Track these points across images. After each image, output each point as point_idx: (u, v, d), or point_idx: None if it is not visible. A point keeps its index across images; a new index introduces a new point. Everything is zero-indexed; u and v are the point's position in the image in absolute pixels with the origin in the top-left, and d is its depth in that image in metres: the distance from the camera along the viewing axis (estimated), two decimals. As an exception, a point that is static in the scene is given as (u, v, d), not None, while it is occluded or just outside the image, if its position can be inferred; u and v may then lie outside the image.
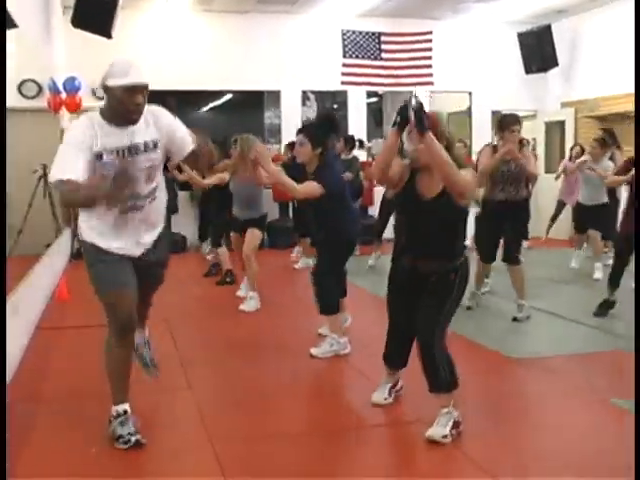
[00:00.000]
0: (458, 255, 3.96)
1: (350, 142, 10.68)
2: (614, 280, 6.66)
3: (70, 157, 3.48)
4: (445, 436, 3.80)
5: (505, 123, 6.47)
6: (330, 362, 5.41)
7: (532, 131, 14.15)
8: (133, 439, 3.74)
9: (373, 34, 12.58)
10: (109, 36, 9.36)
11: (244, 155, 7.01)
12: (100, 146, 3.58)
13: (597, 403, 4.44)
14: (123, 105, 3.56)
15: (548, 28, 12.68)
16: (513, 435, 4.00)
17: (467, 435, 3.88)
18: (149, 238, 3.90)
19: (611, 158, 9.10)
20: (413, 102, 3.65)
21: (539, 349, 5.83)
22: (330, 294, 5.53)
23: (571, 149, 11.35)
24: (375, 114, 14.84)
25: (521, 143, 6.63)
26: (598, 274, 8.65)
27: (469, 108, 13.62)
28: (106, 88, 3.60)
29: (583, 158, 8.93)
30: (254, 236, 7.43)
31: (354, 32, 12.47)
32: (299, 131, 5.60)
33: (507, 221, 6.62)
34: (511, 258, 6.64)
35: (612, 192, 8.83)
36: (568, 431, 4.06)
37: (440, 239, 3.89)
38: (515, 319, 6.58)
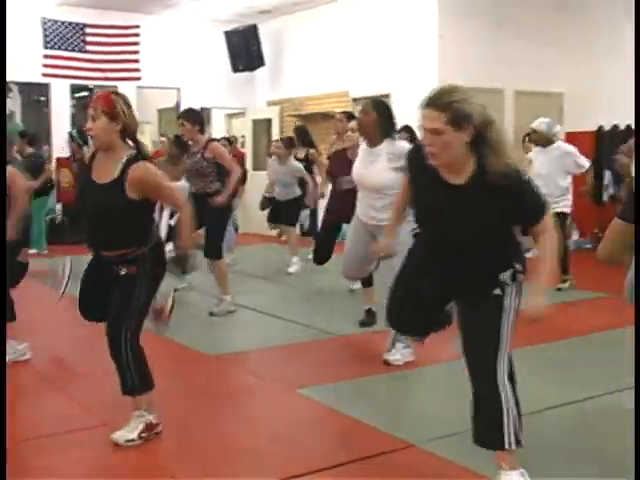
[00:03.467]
0: (135, 245, 3.73)
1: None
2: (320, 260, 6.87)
3: None
4: (130, 440, 3.70)
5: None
6: (16, 368, 5.12)
7: (241, 129, 14.45)
8: None
9: (77, 25, 12.17)
10: None
11: None
12: None
13: (286, 394, 4.57)
14: None
15: (254, 28, 13.01)
16: (206, 432, 3.97)
17: (159, 436, 3.82)
18: None
19: (306, 156, 9.47)
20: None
21: (236, 344, 5.93)
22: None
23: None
24: (86, 109, 14.31)
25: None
26: (293, 269, 8.97)
27: (177, 104, 13.55)
28: None
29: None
30: None
31: (56, 22, 11.95)
32: None
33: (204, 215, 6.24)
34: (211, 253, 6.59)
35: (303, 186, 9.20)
36: (260, 424, 4.15)
37: (116, 228, 3.69)
38: (212, 314, 6.60)
